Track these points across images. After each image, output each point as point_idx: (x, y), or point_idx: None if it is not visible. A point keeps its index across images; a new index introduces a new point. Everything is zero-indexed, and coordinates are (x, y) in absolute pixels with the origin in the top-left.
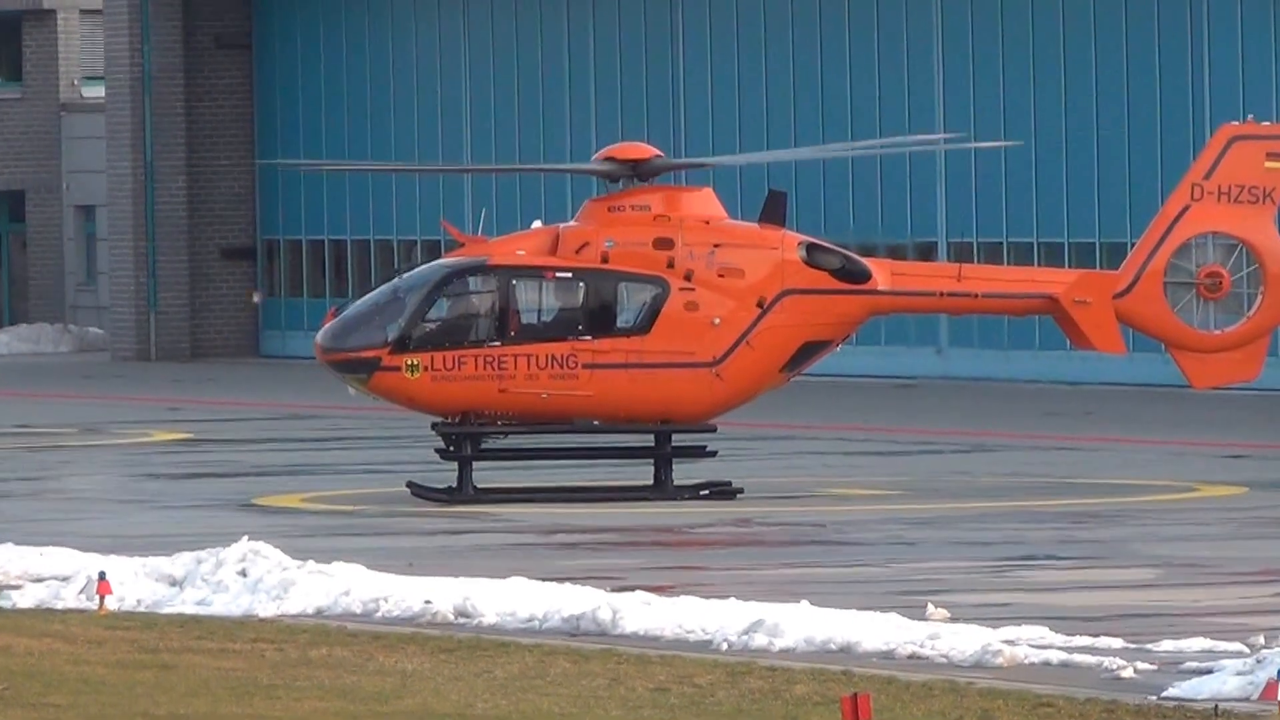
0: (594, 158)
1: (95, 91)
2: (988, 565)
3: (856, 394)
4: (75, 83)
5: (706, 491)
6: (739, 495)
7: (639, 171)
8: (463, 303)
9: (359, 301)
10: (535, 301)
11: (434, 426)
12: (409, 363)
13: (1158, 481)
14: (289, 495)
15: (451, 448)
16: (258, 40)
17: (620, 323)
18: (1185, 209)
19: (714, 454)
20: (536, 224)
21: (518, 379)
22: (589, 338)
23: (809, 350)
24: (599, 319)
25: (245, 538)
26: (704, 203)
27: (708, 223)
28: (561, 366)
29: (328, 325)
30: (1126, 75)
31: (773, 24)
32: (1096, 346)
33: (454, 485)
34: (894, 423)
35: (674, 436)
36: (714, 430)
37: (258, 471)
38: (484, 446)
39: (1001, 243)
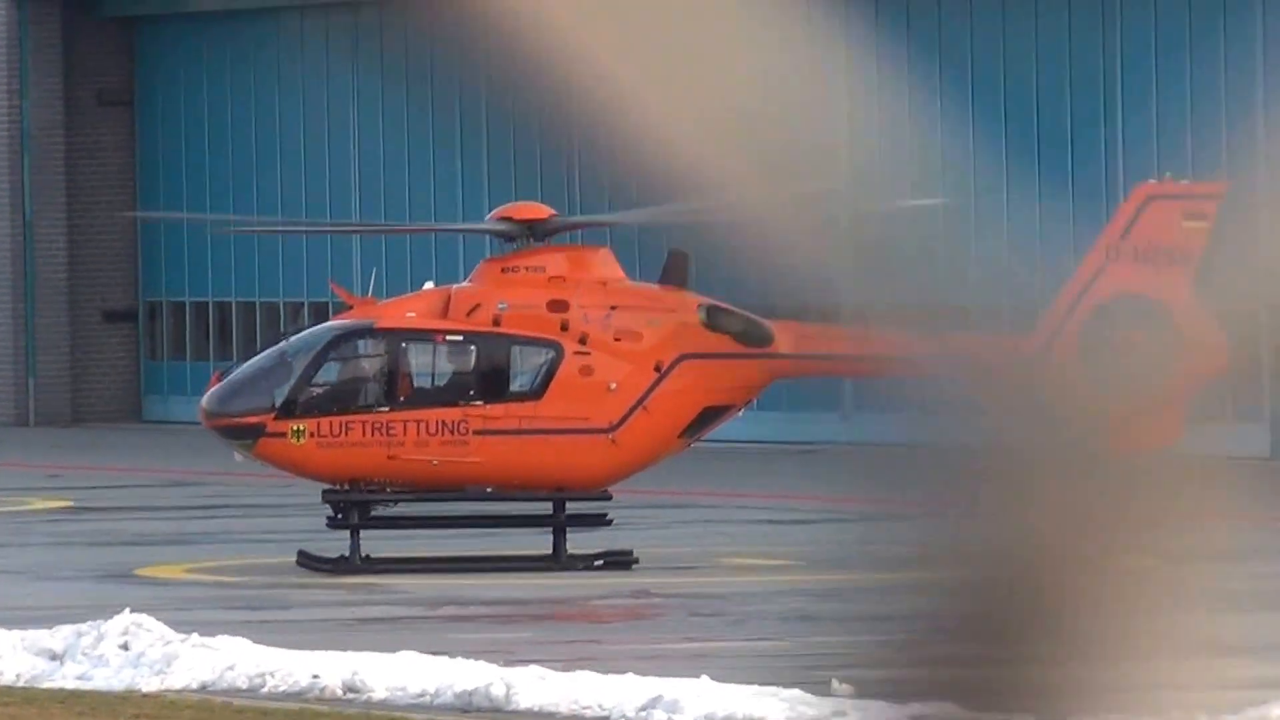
0: (489, 217)
1: None
2: (895, 639)
3: (758, 460)
4: None
5: (600, 561)
6: (635, 565)
7: (535, 231)
8: (350, 367)
9: (244, 365)
10: (425, 365)
11: (324, 494)
12: (295, 428)
13: None
14: (173, 565)
15: (340, 515)
16: (140, 97)
17: (513, 387)
18: (1101, 270)
19: (610, 522)
20: (428, 285)
21: (407, 445)
22: (480, 403)
23: (709, 415)
24: (491, 383)
25: (127, 610)
26: (601, 264)
27: (604, 284)
28: (452, 432)
29: (212, 389)
30: (1038, 131)
31: None
32: None
33: (345, 555)
34: (796, 490)
35: (569, 504)
36: (609, 498)
37: (140, 541)
38: (373, 514)
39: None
